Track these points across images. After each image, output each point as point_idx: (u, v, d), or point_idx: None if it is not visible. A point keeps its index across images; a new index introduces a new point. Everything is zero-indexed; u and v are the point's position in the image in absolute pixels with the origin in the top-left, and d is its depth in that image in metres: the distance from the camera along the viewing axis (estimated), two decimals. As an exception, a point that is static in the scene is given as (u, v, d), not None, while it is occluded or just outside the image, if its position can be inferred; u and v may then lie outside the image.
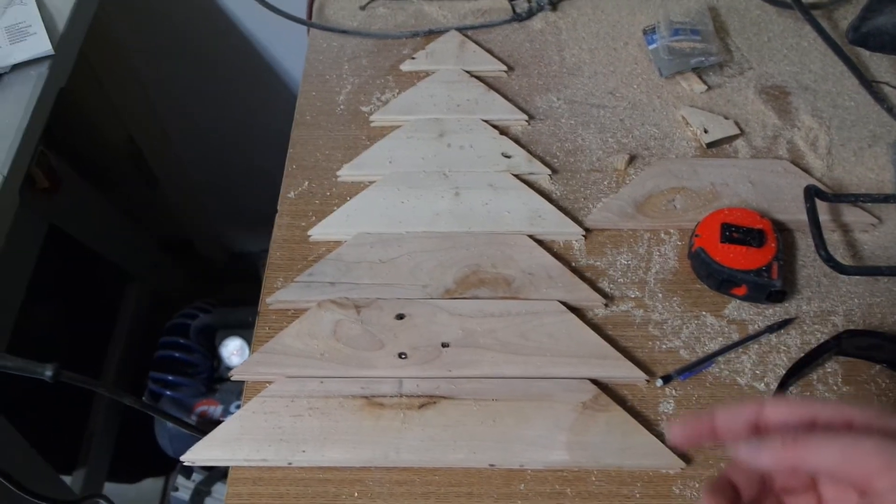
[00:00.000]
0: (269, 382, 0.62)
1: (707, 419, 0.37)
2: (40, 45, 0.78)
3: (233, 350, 1.16)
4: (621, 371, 0.61)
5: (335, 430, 0.59)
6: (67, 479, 1.10)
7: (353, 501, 0.57)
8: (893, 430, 0.33)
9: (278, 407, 0.60)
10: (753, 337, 0.64)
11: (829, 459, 0.33)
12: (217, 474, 1.14)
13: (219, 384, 1.16)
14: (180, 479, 1.15)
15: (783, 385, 0.61)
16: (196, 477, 1.14)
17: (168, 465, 1.32)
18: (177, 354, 1.15)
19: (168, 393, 1.13)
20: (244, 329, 1.17)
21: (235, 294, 1.30)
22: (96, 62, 1.07)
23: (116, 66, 1.14)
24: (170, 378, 1.13)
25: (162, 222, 1.42)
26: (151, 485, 1.41)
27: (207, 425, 1.10)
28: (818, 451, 0.33)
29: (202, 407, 1.14)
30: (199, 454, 0.59)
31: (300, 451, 0.58)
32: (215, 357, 1.18)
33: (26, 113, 0.75)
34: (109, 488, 1.23)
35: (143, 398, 1.13)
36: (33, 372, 0.60)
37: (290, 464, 0.58)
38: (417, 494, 0.57)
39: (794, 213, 0.70)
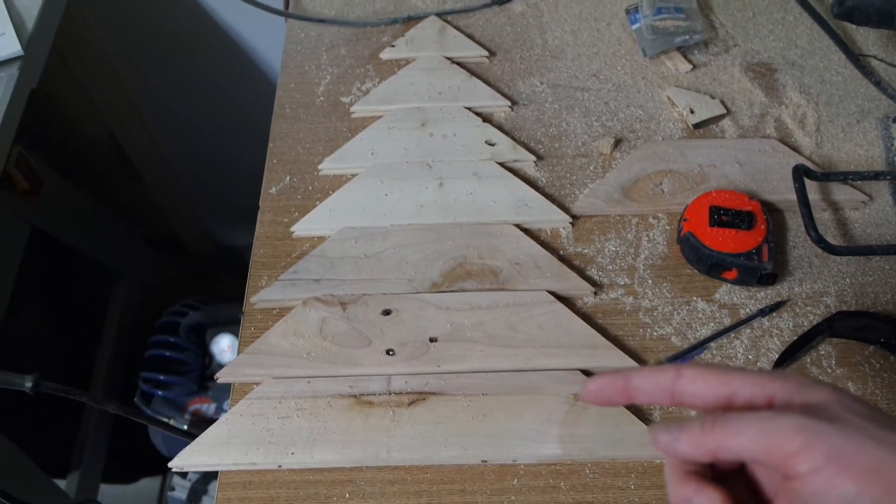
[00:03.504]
0: (256, 384, 0.61)
1: (622, 380, 0.35)
2: (9, 45, 0.77)
3: (224, 347, 1.15)
4: (612, 360, 0.60)
5: (324, 430, 0.58)
6: (62, 482, 1.09)
7: (345, 502, 0.56)
8: (814, 404, 0.31)
9: (266, 409, 0.59)
10: (745, 321, 0.63)
11: (749, 444, 0.30)
12: (213, 473, 1.14)
13: (211, 382, 1.15)
14: (176, 479, 1.15)
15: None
16: (192, 476, 1.14)
17: (164, 465, 1.31)
18: (167, 353, 1.14)
19: (160, 393, 1.12)
20: (235, 325, 1.15)
21: (225, 288, 1.28)
22: (72, 59, 1.05)
23: (93, 63, 1.11)
24: (161, 377, 1.12)
25: (147, 218, 1.40)
26: (148, 484, 1.41)
27: (201, 424, 1.09)
28: (738, 435, 0.31)
29: (195, 405, 1.13)
30: (188, 459, 0.59)
31: (289, 453, 0.57)
32: (206, 354, 1.17)
33: (-2, 115, 0.74)
34: (105, 489, 1.22)
35: (135, 399, 1.12)
36: (13, 384, 0.59)
37: (279, 466, 0.58)
38: (410, 493, 0.56)
39: (783, 193, 0.69)
